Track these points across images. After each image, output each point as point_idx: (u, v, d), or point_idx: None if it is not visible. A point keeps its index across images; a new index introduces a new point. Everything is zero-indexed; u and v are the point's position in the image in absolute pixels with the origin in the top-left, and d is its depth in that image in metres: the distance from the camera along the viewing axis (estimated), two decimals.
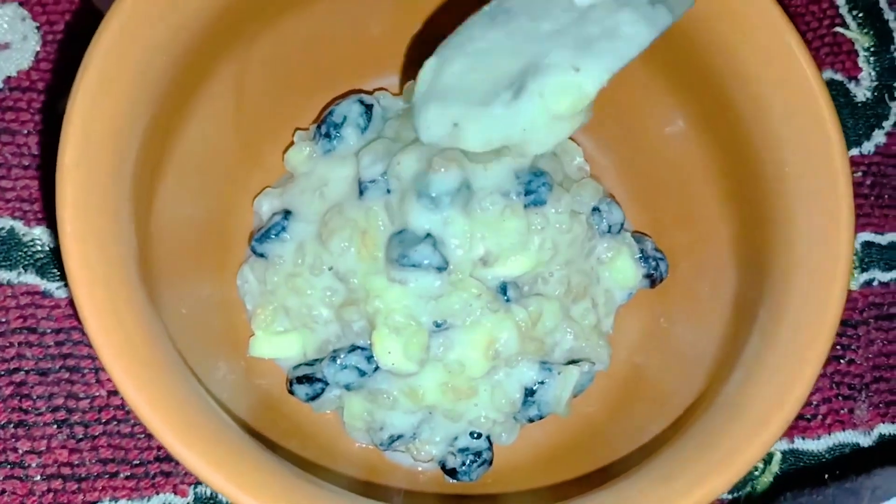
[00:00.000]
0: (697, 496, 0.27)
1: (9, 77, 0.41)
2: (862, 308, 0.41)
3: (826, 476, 0.36)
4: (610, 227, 0.37)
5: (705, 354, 0.34)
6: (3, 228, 0.39)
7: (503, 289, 0.36)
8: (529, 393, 0.36)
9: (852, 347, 0.41)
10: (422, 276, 0.35)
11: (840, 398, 0.40)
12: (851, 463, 0.38)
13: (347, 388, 0.36)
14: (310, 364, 0.37)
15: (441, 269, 0.35)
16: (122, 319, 0.29)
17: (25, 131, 0.41)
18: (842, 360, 0.40)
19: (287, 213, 0.37)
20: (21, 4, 0.42)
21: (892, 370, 0.41)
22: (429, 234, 0.35)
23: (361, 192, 0.36)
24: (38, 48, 0.41)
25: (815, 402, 0.40)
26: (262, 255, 0.37)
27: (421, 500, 0.36)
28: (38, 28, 0.42)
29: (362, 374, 0.35)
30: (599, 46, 0.31)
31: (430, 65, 0.33)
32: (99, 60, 0.30)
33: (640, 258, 0.38)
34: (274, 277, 0.37)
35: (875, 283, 0.41)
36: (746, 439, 0.28)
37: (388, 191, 0.35)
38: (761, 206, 0.33)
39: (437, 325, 0.35)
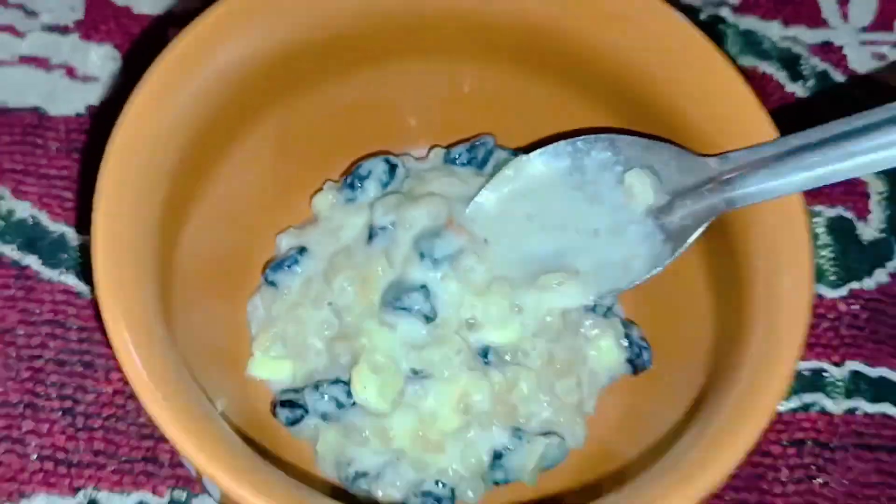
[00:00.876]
0: None
1: (91, 105, 0.46)
2: (843, 434, 0.42)
3: None
4: (595, 307, 0.39)
5: (665, 442, 0.36)
6: (56, 232, 0.44)
7: (484, 352, 0.38)
8: (497, 456, 0.38)
9: (828, 470, 0.41)
10: (410, 322, 0.37)
11: None
12: None
13: (324, 417, 0.38)
14: (296, 391, 0.39)
15: (429, 318, 0.37)
16: (139, 332, 0.31)
17: (93, 153, 0.45)
18: (815, 481, 0.41)
19: (302, 249, 0.40)
20: (115, 47, 0.48)
21: (867, 500, 0.41)
22: (423, 286, 0.38)
23: (370, 237, 0.39)
24: (120, 84, 0.47)
25: None
26: (272, 284, 0.40)
27: None
28: (125, 69, 0.47)
29: (340, 405, 0.38)
30: (611, 274, 0.37)
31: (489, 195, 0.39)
32: (156, 81, 0.34)
33: (626, 344, 0.39)
34: (280, 306, 0.40)
35: (859, 413, 0.42)
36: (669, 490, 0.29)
37: (394, 240, 0.39)
38: (737, 312, 0.34)
39: (415, 372, 0.37)
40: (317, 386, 0.38)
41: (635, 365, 0.40)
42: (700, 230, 0.35)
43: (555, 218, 0.38)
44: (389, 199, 0.40)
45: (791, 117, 0.48)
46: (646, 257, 0.36)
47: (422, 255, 0.38)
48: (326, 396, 0.38)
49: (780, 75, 0.49)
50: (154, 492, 0.40)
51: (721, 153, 0.34)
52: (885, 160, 0.30)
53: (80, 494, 0.39)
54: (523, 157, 0.39)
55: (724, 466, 0.29)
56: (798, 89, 0.48)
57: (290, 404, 0.39)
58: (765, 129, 0.34)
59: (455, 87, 0.42)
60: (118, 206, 0.33)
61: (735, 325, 0.34)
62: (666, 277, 0.36)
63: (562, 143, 0.38)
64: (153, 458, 0.40)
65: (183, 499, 0.40)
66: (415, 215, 0.38)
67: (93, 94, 0.47)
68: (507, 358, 0.38)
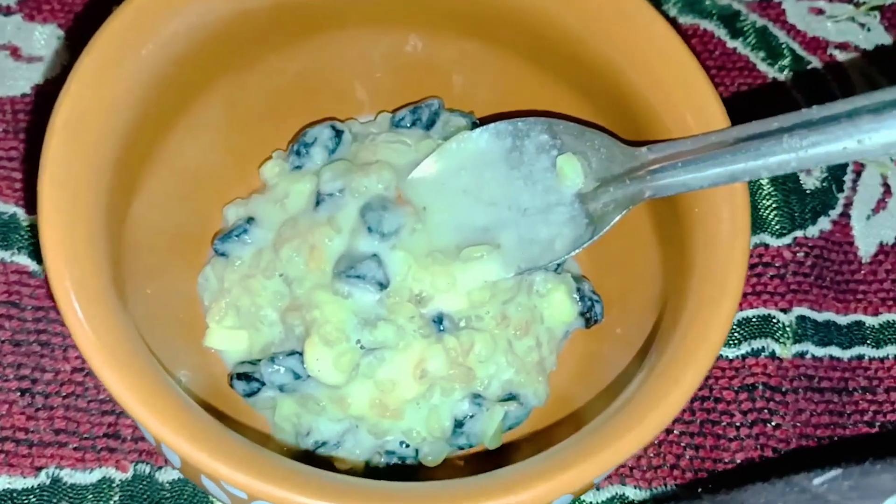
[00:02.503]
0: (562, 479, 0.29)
1: (37, 85, 0.46)
2: (793, 377, 0.43)
3: (700, 490, 0.37)
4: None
5: (617, 387, 0.37)
6: (6, 213, 0.44)
7: (438, 319, 0.38)
8: (458, 424, 0.38)
9: (780, 413, 0.42)
10: (363, 290, 0.38)
11: (762, 459, 0.41)
12: (725, 480, 0.39)
13: (281, 389, 0.38)
14: (252, 363, 0.39)
15: (382, 285, 0.38)
16: (90, 301, 0.31)
17: (41, 132, 0.45)
18: (768, 424, 0.42)
19: (250, 219, 0.40)
20: (59, 26, 0.47)
21: (818, 441, 0.42)
22: (375, 255, 0.38)
23: (317, 204, 0.39)
24: (65, 63, 0.46)
25: (738, 460, 0.41)
26: (223, 255, 0.40)
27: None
28: (69, 47, 0.47)
29: (297, 377, 0.38)
30: (532, 251, 0.38)
31: (429, 161, 0.40)
32: (101, 48, 0.34)
33: (577, 297, 0.40)
34: (231, 276, 0.40)
35: (808, 356, 0.43)
36: (620, 435, 0.30)
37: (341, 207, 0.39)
38: (679, 242, 0.35)
39: (368, 347, 0.38)
40: (272, 358, 0.38)
41: (587, 318, 0.40)
42: (619, 216, 0.36)
43: (489, 193, 0.39)
44: (337, 165, 0.40)
45: (735, 75, 0.49)
46: (568, 238, 0.38)
47: (370, 230, 0.38)
48: (282, 369, 0.38)
49: (721, 32, 0.49)
50: (117, 467, 0.40)
51: (648, 144, 0.36)
52: (792, 163, 0.31)
53: (43, 474, 0.39)
54: (466, 133, 0.40)
55: (672, 407, 0.30)
56: (738, 45, 0.49)
57: (245, 377, 0.39)
58: (718, 119, 0.35)
59: (401, 55, 0.43)
60: (64, 178, 0.32)
61: (679, 272, 0.35)
62: (616, 232, 0.37)
63: (504, 122, 0.39)
64: (115, 434, 0.40)
65: (147, 472, 0.40)
66: (363, 183, 0.39)
67: (38, 74, 0.46)
68: (462, 324, 0.39)
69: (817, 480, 0.36)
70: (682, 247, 0.35)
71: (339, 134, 0.41)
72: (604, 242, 0.37)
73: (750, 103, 0.48)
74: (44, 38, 0.47)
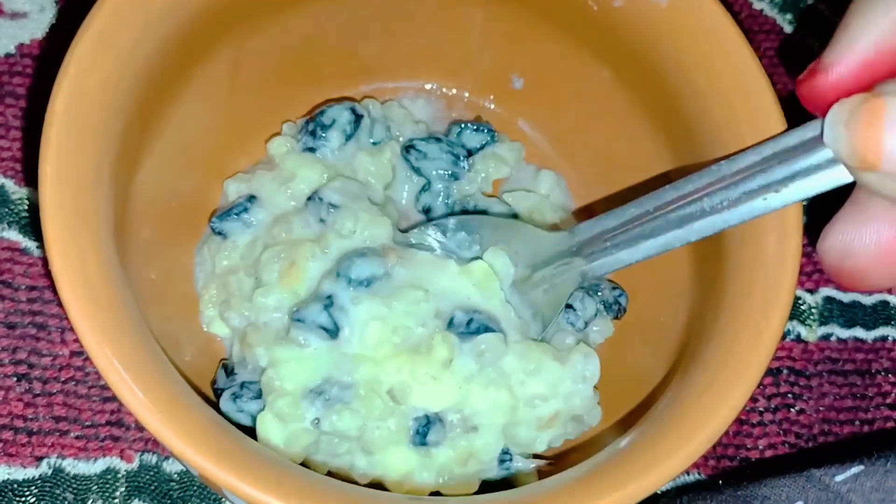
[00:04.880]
0: (615, 498, 0.28)
1: (21, 44, 0.43)
2: (817, 360, 0.42)
3: (720, 482, 0.37)
4: (586, 322, 0.38)
5: (652, 374, 0.35)
6: None
7: (423, 427, 0.34)
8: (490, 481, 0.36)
9: (804, 398, 0.41)
10: (307, 338, 0.34)
11: (786, 445, 0.40)
12: (745, 473, 0.39)
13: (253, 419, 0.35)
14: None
15: (330, 332, 0.34)
16: (89, 275, 0.29)
17: (30, 97, 0.42)
18: (792, 409, 0.41)
19: (252, 198, 0.38)
20: None
21: (841, 425, 0.41)
22: (330, 298, 0.35)
23: (308, 200, 0.37)
24: (53, 20, 0.43)
25: (761, 447, 0.40)
26: (220, 234, 0.38)
27: None
28: (56, 1, 0.43)
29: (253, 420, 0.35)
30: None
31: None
32: (100, 23, 0.31)
33: (604, 307, 0.38)
34: (222, 262, 0.38)
35: (833, 339, 0.42)
36: (671, 451, 0.29)
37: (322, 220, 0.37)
38: (717, 240, 0.34)
39: (327, 431, 0.34)
40: (234, 396, 0.35)
41: (616, 314, 0.39)
42: (565, 301, 0.36)
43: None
44: (349, 185, 0.38)
45: (762, 38, 0.47)
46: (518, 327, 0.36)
47: (338, 275, 0.35)
48: (243, 413, 0.35)
49: None
50: (122, 457, 0.38)
51: (570, 228, 0.36)
52: (718, 224, 0.31)
53: (44, 464, 0.38)
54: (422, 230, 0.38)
55: (720, 425, 0.29)
56: (765, 6, 0.47)
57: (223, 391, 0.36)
58: (774, 122, 0.33)
59: (415, 18, 0.40)
60: (67, 157, 0.30)
61: (717, 275, 0.33)
62: None
63: (430, 225, 0.38)
64: (118, 422, 0.38)
65: (153, 462, 0.38)
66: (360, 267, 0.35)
67: (23, 32, 0.43)
68: (457, 427, 0.34)
69: (839, 477, 0.35)
70: (722, 244, 0.33)
71: (358, 118, 0.39)
72: None
73: (774, 68, 0.46)
74: None
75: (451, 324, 0.34)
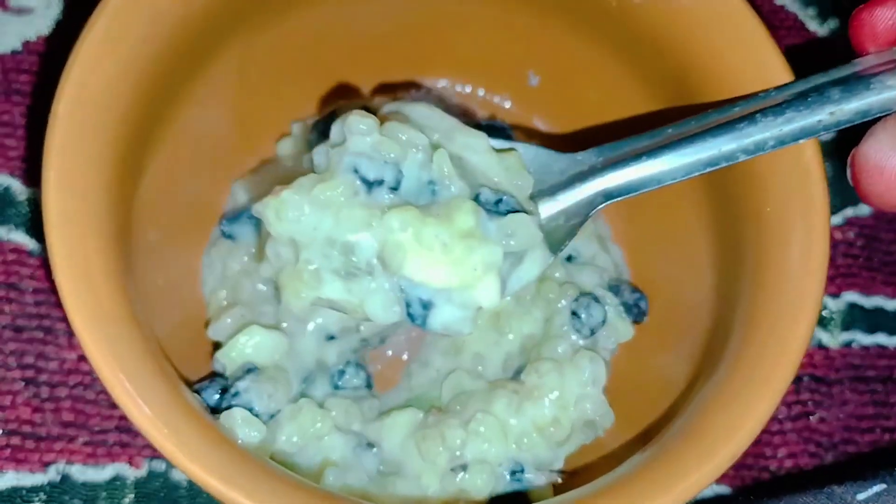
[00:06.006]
0: None
1: (28, 41, 0.42)
2: (839, 367, 0.41)
3: (739, 498, 0.36)
4: (592, 330, 0.37)
5: (675, 383, 0.34)
6: (0, 185, 0.40)
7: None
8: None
9: (825, 405, 0.40)
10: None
11: (806, 454, 0.40)
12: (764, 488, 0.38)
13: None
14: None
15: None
16: (94, 287, 0.29)
17: (36, 94, 0.41)
18: (812, 417, 0.40)
19: None
20: None
21: (862, 433, 0.40)
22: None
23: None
24: (59, 16, 0.42)
25: (780, 455, 0.39)
26: (229, 237, 0.37)
27: None
28: None
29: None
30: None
31: None
32: (104, 23, 0.31)
33: (624, 310, 0.37)
34: (233, 265, 0.37)
35: (854, 345, 0.41)
36: (694, 467, 0.28)
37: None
38: (740, 245, 0.33)
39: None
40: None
41: (636, 319, 0.38)
42: (582, 225, 0.32)
43: None
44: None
45: (783, 34, 0.46)
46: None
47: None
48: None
49: None
50: (131, 463, 0.37)
51: (593, 147, 0.33)
52: (770, 142, 0.30)
53: (52, 469, 0.37)
54: None
55: (748, 435, 0.28)
56: (787, 1, 0.46)
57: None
58: (780, 73, 0.32)
59: (426, 14, 0.39)
60: (70, 163, 0.30)
61: (740, 278, 0.32)
62: (665, 226, 0.34)
63: None
64: (127, 428, 0.38)
65: (163, 469, 0.38)
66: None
67: (30, 28, 0.42)
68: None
69: (861, 496, 0.34)
70: (746, 250, 0.32)
71: None
72: (651, 238, 0.35)
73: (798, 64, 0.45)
74: None
75: (476, 200, 0.30)
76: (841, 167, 0.43)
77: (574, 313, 0.36)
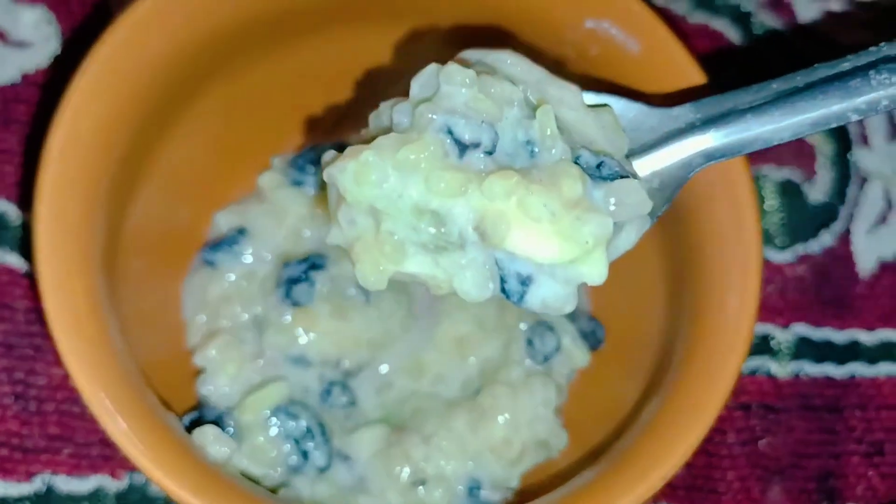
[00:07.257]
0: None
1: (27, 73, 0.45)
2: (787, 395, 0.43)
3: None
4: (546, 356, 0.39)
5: (625, 407, 0.37)
6: None
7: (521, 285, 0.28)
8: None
9: (773, 432, 0.42)
10: None
11: (755, 478, 0.42)
12: None
13: None
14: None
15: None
16: (78, 309, 0.32)
17: (34, 123, 0.44)
18: (760, 442, 0.42)
19: (242, 230, 0.40)
20: (49, 8, 0.46)
21: (810, 459, 0.42)
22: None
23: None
24: (57, 51, 0.45)
25: (729, 479, 0.42)
26: (210, 264, 0.40)
27: None
28: (60, 32, 0.45)
29: None
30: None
31: None
32: (95, 69, 0.33)
33: (581, 337, 0.40)
34: (215, 290, 0.39)
35: (802, 375, 0.43)
36: (629, 487, 0.30)
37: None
38: (684, 283, 0.35)
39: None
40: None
41: (593, 347, 0.40)
42: (680, 189, 0.30)
43: None
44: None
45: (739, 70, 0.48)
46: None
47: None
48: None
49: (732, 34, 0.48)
50: (113, 475, 0.40)
51: (692, 102, 0.30)
52: (883, 101, 0.28)
53: (37, 480, 0.39)
54: None
55: (681, 456, 0.30)
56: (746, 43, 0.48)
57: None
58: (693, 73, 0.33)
59: (403, 54, 0.41)
60: (61, 201, 0.32)
61: (686, 306, 0.35)
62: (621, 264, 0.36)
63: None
64: (110, 442, 0.40)
65: (143, 481, 0.40)
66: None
67: (28, 61, 0.45)
68: None
69: None
70: (688, 288, 0.34)
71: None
72: (612, 271, 0.37)
73: None
74: (32, 23, 0.45)
75: (576, 163, 0.28)
76: (794, 205, 0.45)
77: (529, 341, 0.38)
